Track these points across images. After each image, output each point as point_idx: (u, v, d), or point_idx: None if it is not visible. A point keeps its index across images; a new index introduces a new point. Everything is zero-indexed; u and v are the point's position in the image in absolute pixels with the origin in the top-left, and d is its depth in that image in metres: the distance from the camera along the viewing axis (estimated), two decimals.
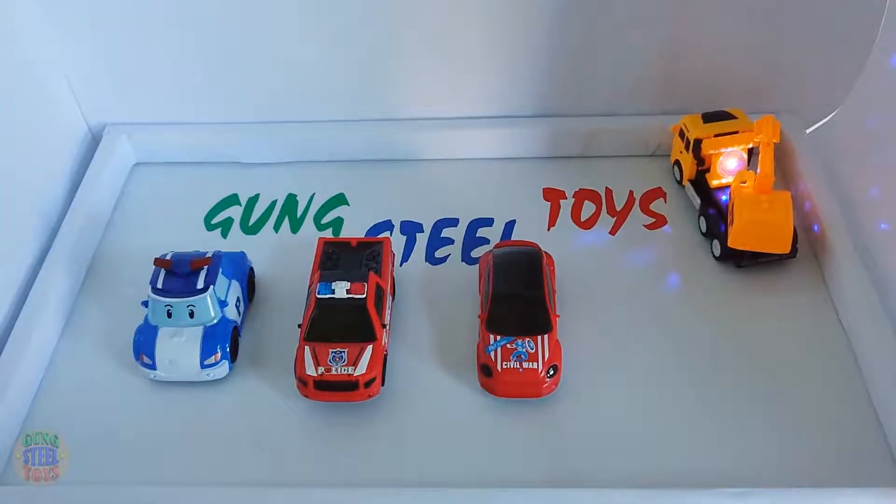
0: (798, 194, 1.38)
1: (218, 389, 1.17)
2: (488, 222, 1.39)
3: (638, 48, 1.40)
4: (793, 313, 1.24)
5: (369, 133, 1.48)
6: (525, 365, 1.12)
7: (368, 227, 1.39)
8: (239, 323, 1.21)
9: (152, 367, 1.15)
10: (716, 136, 1.31)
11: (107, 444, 1.11)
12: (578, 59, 1.41)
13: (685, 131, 1.34)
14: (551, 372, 1.12)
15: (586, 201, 1.35)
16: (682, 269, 1.30)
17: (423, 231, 1.39)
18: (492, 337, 1.14)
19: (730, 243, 1.24)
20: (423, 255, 1.35)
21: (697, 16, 1.36)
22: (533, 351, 1.13)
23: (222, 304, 1.18)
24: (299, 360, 1.13)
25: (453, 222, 1.40)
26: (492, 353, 1.13)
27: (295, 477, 1.08)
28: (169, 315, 1.16)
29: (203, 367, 1.15)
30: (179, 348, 1.15)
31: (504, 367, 1.11)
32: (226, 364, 1.16)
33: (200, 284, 1.16)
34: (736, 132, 1.32)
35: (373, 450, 1.10)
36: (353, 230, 1.38)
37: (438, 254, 1.35)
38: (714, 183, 1.32)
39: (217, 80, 1.45)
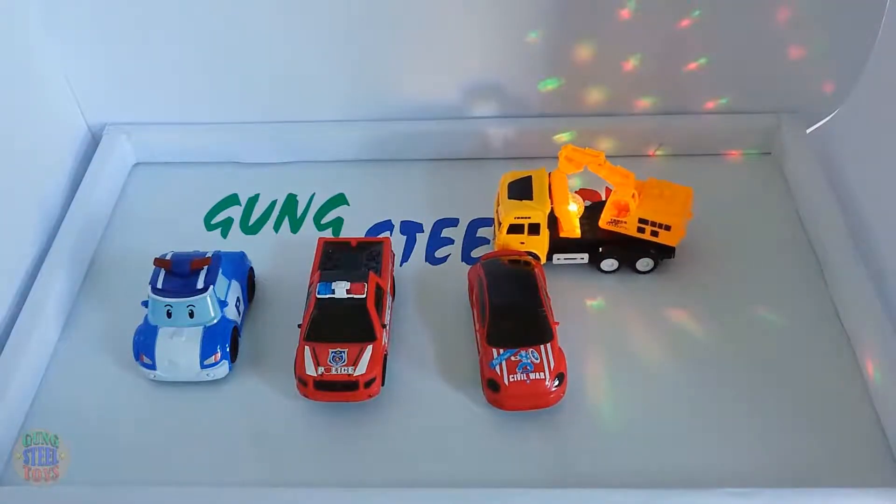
0: (798, 194, 1.39)
1: (218, 389, 1.17)
2: (488, 222, 1.39)
3: (638, 48, 1.40)
4: (793, 313, 1.24)
5: (369, 133, 1.48)
6: (532, 376, 1.11)
7: (368, 227, 1.39)
8: (239, 323, 1.21)
9: (152, 367, 1.15)
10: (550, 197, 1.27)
11: (107, 444, 1.11)
12: (579, 59, 1.41)
13: (522, 220, 1.25)
14: (556, 382, 1.11)
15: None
16: (679, 268, 1.29)
17: (423, 231, 1.39)
18: (494, 351, 1.13)
19: (675, 243, 1.26)
20: (423, 255, 1.35)
21: (697, 16, 1.36)
22: (538, 361, 1.12)
23: (222, 304, 1.18)
24: (299, 360, 1.13)
25: (453, 222, 1.40)
26: (497, 368, 1.12)
27: (295, 477, 1.08)
28: (169, 315, 1.16)
29: (203, 367, 1.15)
30: (179, 348, 1.15)
31: (511, 380, 1.11)
32: (226, 364, 1.16)
33: (200, 284, 1.16)
34: (548, 183, 1.28)
35: (373, 450, 1.10)
36: (353, 230, 1.38)
37: (438, 254, 1.35)
38: (604, 224, 1.27)
39: (217, 80, 1.45)
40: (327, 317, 1.14)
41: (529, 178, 1.30)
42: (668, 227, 1.24)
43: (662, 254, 1.27)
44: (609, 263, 1.29)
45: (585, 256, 1.29)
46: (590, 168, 1.26)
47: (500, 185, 1.31)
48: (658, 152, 1.48)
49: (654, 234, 1.25)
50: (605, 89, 1.45)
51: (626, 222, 1.26)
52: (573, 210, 1.28)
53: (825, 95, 1.44)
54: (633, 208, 1.25)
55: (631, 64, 1.42)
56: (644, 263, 1.28)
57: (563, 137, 1.45)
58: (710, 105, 1.46)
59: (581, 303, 1.26)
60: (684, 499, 1.02)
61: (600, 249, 1.28)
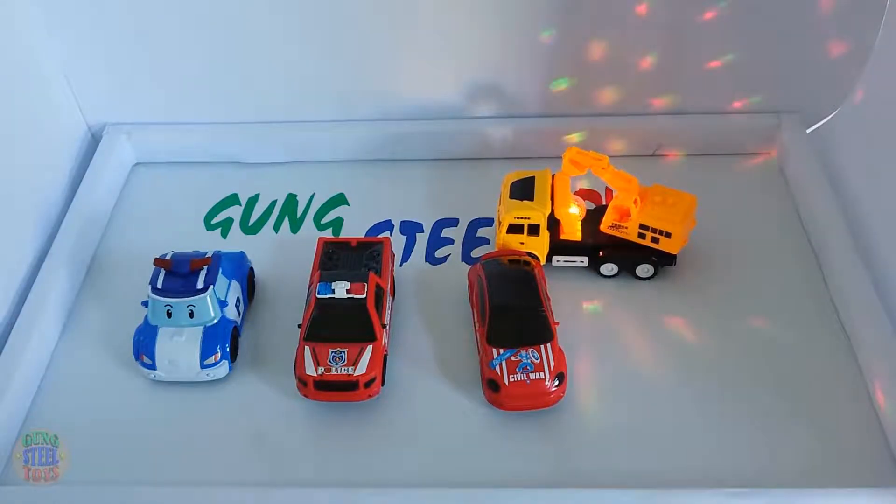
0: (798, 194, 1.39)
1: (218, 389, 1.17)
2: (488, 222, 1.39)
3: (638, 48, 1.40)
4: (793, 314, 1.24)
5: (369, 133, 1.48)
6: (532, 376, 1.11)
7: (368, 227, 1.39)
8: (239, 323, 1.21)
9: (152, 367, 1.15)
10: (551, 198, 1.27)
11: (107, 444, 1.11)
12: (579, 59, 1.41)
13: (521, 221, 1.25)
14: (556, 382, 1.11)
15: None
16: (679, 267, 1.29)
17: (423, 231, 1.39)
18: (494, 351, 1.13)
19: (676, 250, 1.25)
20: (423, 255, 1.35)
21: (698, 16, 1.36)
22: (538, 361, 1.12)
23: (222, 304, 1.18)
24: (299, 360, 1.13)
25: (453, 222, 1.40)
26: (497, 368, 1.12)
27: (295, 477, 1.08)
28: (169, 315, 1.16)
29: (203, 367, 1.15)
30: (179, 348, 1.15)
31: (511, 380, 1.11)
32: (226, 364, 1.16)
33: (200, 284, 1.16)
34: (550, 185, 1.28)
35: (373, 450, 1.10)
36: (353, 230, 1.38)
37: (438, 254, 1.35)
38: (605, 228, 1.27)
39: (217, 80, 1.45)
40: (327, 317, 1.14)
41: (532, 178, 1.30)
42: (668, 235, 1.24)
43: (663, 261, 1.27)
44: (609, 268, 1.28)
45: (585, 260, 1.29)
46: (593, 171, 1.26)
47: (502, 185, 1.31)
48: (657, 152, 1.48)
49: (655, 240, 1.25)
50: (606, 91, 1.45)
51: (626, 227, 1.25)
52: (574, 213, 1.28)
53: (825, 95, 1.44)
54: (634, 214, 1.25)
55: (632, 66, 1.42)
56: (644, 270, 1.28)
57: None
58: (709, 105, 1.46)
59: (579, 306, 1.26)
60: (684, 499, 1.02)
61: (600, 253, 1.27)
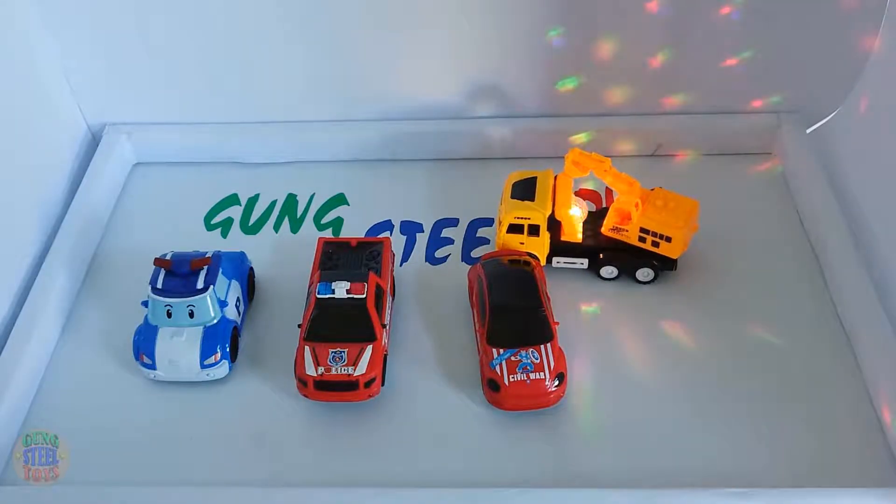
0: (798, 194, 1.39)
1: (218, 389, 1.17)
2: (488, 222, 1.39)
3: (638, 48, 1.40)
4: (793, 314, 1.24)
5: (369, 133, 1.48)
6: (532, 376, 1.11)
7: (368, 227, 1.39)
8: (239, 323, 1.21)
9: (152, 367, 1.15)
10: (552, 199, 1.27)
11: (107, 444, 1.11)
12: (578, 59, 1.41)
13: (522, 221, 1.25)
14: (556, 382, 1.11)
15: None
16: (679, 267, 1.29)
17: (423, 231, 1.39)
18: (494, 351, 1.13)
19: (676, 255, 1.24)
20: (423, 255, 1.35)
21: (698, 15, 1.36)
22: (538, 361, 1.12)
23: (222, 304, 1.18)
24: (299, 360, 1.13)
25: (453, 222, 1.40)
26: (497, 368, 1.12)
27: (295, 477, 1.08)
28: (169, 315, 1.16)
29: (203, 367, 1.15)
30: (179, 348, 1.15)
31: (511, 380, 1.11)
32: (226, 364, 1.16)
33: (200, 284, 1.16)
34: (552, 186, 1.28)
35: (373, 450, 1.10)
36: (353, 230, 1.38)
37: (438, 254, 1.35)
38: (606, 231, 1.27)
39: (217, 80, 1.45)
40: (327, 317, 1.14)
41: (534, 178, 1.30)
42: (669, 239, 1.23)
43: (664, 265, 1.26)
44: (608, 270, 1.28)
45: (585, 262, 1.29)
46: (595, 174, 1.25)
47: (505, 184, 1.31)
48: (657, 152, 1.48)
49: (655, 244, 1.24)
50: (605, 89, 1.45)
51: (627, 230, 1.25)
52: (576, 214, 1.28)
53: (825, 95, 1.44)
54: (635, 217, 1.24)
55: (633, 67, 1.42)
56: (644, 273, 1.27)
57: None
58: (709, 105, 1.46)
59: (579, 308, 1.26)
60: (684, 499, 1.02)
61: (600, 256, 1.27)
